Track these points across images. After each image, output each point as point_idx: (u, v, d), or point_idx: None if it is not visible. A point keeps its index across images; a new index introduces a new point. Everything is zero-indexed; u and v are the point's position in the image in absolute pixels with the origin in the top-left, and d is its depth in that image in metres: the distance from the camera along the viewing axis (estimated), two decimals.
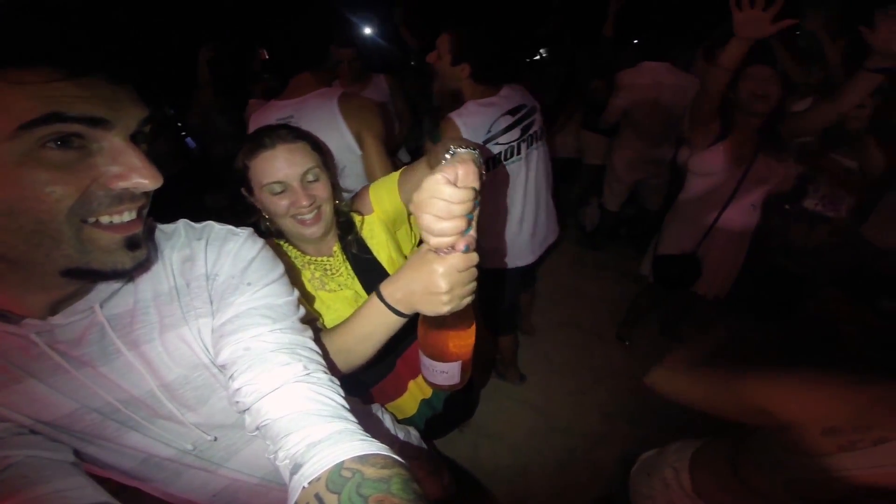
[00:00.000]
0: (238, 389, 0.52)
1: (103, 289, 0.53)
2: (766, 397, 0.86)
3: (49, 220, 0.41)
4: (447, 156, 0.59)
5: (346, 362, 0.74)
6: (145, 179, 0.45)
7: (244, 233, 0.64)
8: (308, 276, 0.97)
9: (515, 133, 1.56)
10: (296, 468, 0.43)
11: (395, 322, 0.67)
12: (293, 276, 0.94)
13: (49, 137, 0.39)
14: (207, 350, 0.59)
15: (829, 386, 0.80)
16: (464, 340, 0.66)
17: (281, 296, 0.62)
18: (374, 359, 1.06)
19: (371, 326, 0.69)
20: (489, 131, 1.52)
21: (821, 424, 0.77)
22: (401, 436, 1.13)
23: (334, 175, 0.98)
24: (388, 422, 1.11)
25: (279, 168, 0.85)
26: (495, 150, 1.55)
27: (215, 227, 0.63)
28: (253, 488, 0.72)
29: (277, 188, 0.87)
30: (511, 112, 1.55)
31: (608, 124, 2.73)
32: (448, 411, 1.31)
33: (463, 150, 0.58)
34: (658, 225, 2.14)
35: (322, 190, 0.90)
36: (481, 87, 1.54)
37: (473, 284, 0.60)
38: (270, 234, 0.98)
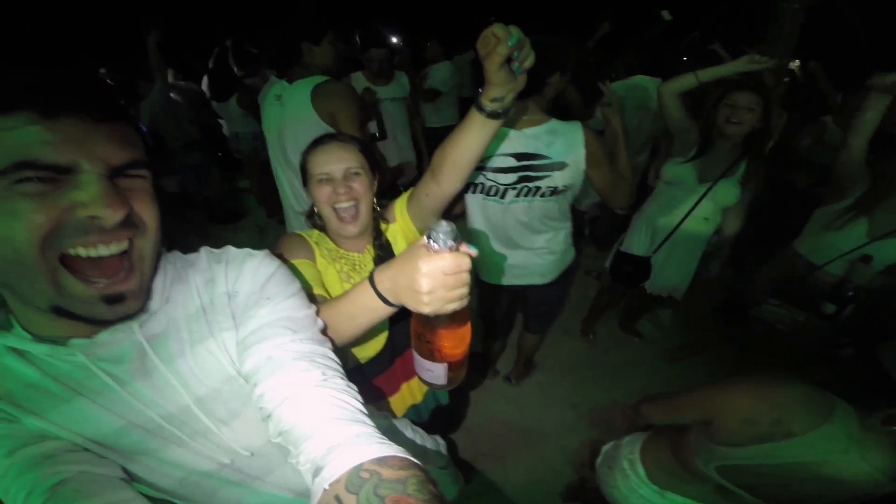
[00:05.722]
0: (261, 395, 0.55)
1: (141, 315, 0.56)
2: (703, 402, 1.03)
3: (25, 250, 0.43)
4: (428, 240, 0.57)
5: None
6: (100, 212, 0.45)
7: (261, 253, 0.69)
8: (338, 269, 1.05)
9: (508, 178, 1.42)
10: (317, 471, 0.44)
11: (381, 309, 0.65)
12: (323, 267, 1.03)
13: (24, 177, 0.42)
14: (234, 362, 0.62)
15: (753, 384, 0.95)
16: (450, 342, 0.63)
17: (300, 309, 0.65)
18: (374, 353, 1.11)
19: (357, 308, 0.68)
20: (483, 161, 1.41)
21: (741, 416, 0.92)
22: (417, 440, 1.17)
23: (378, 181, 1.06)
24: (408, 431, 1.16)
25: (328, 161, 0.98)
26: (478, 179, 1.47)
27: (232, 250, 0.68)
28: None
29: (323, 177, 0.98)
30: (517, 156, 1.39)
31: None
32: (433, 422, 1.34)
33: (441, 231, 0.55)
34: (624, 226, 2.28)
35: (361, 186, 1.00)
36: (526, 110, 1.38)
37: (462, 290, 0.56)
38: (317, 227, 1.10)
